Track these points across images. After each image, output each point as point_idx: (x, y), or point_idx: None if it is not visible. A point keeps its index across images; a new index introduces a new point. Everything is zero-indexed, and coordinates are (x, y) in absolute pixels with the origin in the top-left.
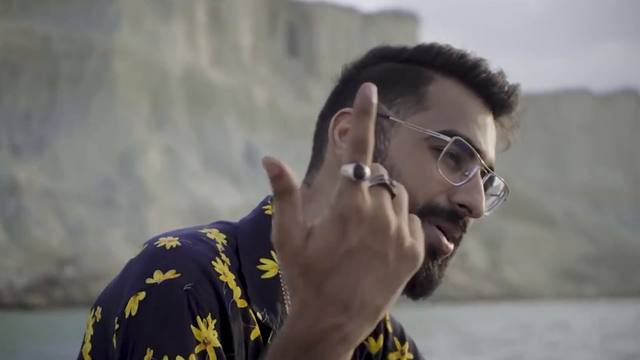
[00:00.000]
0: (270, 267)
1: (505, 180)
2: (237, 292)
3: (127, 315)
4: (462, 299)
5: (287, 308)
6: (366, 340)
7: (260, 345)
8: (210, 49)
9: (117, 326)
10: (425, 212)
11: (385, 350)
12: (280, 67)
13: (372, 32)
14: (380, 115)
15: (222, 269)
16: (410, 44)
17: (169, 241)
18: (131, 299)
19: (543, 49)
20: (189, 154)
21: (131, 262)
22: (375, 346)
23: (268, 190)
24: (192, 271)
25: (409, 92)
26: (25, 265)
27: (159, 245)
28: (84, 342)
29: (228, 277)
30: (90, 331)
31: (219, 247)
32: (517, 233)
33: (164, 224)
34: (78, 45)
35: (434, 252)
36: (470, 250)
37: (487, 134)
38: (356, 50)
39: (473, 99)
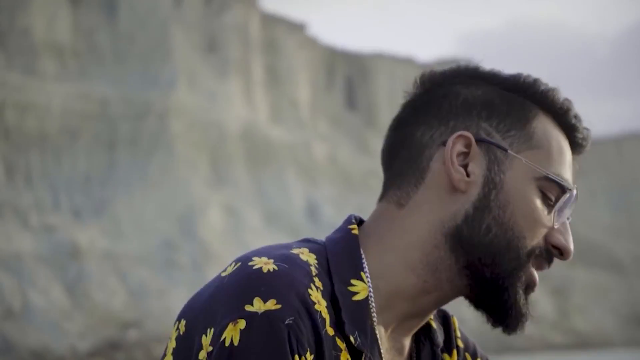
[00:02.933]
0: (360, 288)
1: (571, 225)
2: (328, 320)
3: (227, 344)
4: (530, 349)
5: (376, 330)
6: (441, 354)
7: None
8: (268, 105)
9: (210, 348)
10: (531, 253)
11: None
12: (339, 121)
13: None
14: (497, 146)
15: (317, 296)
16: None
17: (265, 264)
18: (230, 326)
19: (608, 92)
20: (250, 212)
21: (222, 280)
22: None
23: None
24: (292, 302)
25: (522, 127)
26: (88, 330)
27: (254, 267)
28: (164, 355)
29: (321, 306)
30: (173, 344)
31: (313, 270)
32: (585, 280)
33: None
34: (135, 107)
35: (531, 290)
36: (538, 299)
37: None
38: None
39: (566, 141)
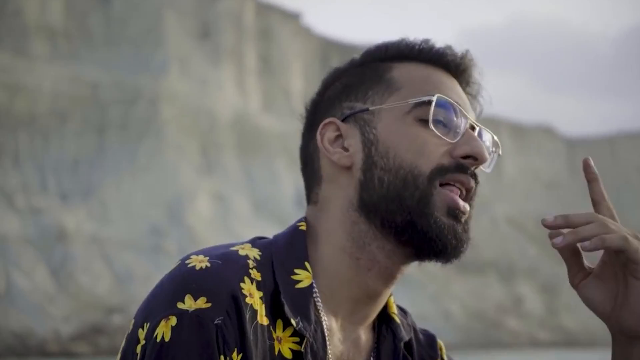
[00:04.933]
0: (304, 277)
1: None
2: (262, 310)
3: (159, 339)
4: (516, 345)
5: (324, 319)
6: (403, 348)
7: (283, 356)
8: (260, 94)
9: (143, 342)
10: (434, 175)
11: None
12: None
13: None
14: (359, 112)
15: (250, 289)
16: None
17: (200, 261)
18: (162, 322)
19: (606, 92)
20: (238, 199)
21: (163, 279)
22: None
23: None
24: (221, 299)
25: (377, 83)
26: (72, 314)
27: (189, 265)
28: (118, 354)
29: (254, 298)
30: (123, 342)
31: (251, 262)
32: None
33: None
34: (126, 91)
35: (454, 214)
36: (526, 296)
37: (461, 94)
38: None
39: (434, 70)
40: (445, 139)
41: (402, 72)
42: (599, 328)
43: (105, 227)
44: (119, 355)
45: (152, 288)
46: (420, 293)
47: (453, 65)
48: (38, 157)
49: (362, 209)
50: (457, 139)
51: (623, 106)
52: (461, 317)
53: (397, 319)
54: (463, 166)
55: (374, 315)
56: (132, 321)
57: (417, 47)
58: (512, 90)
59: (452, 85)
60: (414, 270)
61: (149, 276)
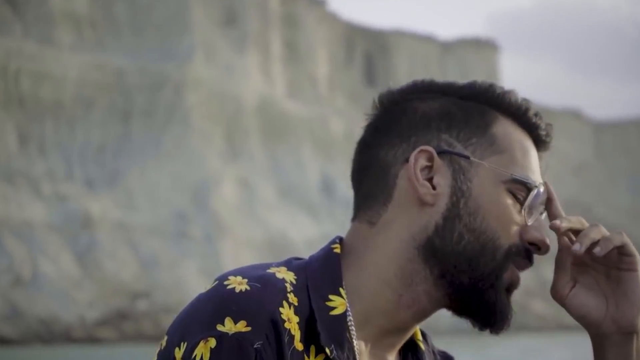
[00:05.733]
0: (338, 303)
1: (590, 206)
2: (298, 336)
3: None
4: (543, 329)
5: (355, 344)
6: None
7: None
8: (286, 80)
9: None
10: (511, 253)
11: None
12: (357, 97)
13: (450, 61)
14: (459, 155)
15: (288, 314)
16: (490, 72)
17: (239, 283)
18: (201, 343)
19: (634, 74)
20: (264, 186)
21: (200, 297)
22: None
23: (344, 222)
24: (261, 323)
25: (482, 133)
26: (97, 299)
27: (228, 287)
28: None
29: (292, 323)
30: (155, 358)
31: (288, 286)
32: None
33: (238, 256)
34: (151, 78)
35: (511, 290)
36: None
37: (538, 166)
38: (434, 78)
39: (527, 138)
40: (525, 219)
41: (506, 131)
42: None
43: (131, 214)
44: None
45: (175, 272)
46: None
47: (540, 142)
48: (64, 144)
49: (425, 251)
50: (530, 222)
51: None
52: None
53: (422, 346)
54: (530, 254)
55: (401, 344)
56: (166, 338)
57: (521, 108)
58: (539, 74)
59: (537, 159)
60: None
61: (174, 262)
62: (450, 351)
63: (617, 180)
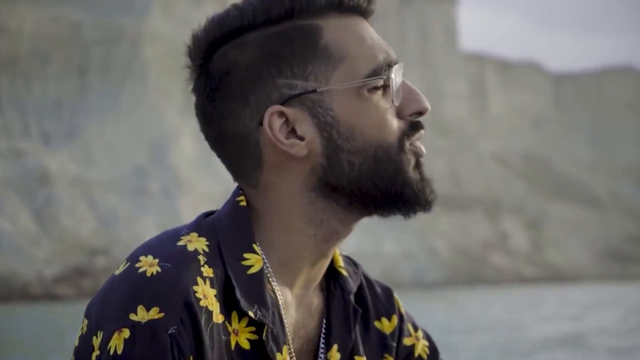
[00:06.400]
0: (254, 261)
1: (549, 160)
2: (217, 309)
3: (112, 352)
4: (503, 281)
5: (279, 295)
6: (379, 319)
7: (241, 348)
8: None
9: (98, 352)
10: (401, 142)
11: (401, 333)
12: None
13: (408, 14)
14: (305, 93)
15: (204, 290)
16: (449, 25)
17: (150, 265)
18: (115, 335)
19: (598, 27)
20: None
21: (114, 281)
22: (389, 326)
23: None
24: (174, 307)
25: (314, 55)
26: (55, 256)
27: (140, 270)
28: (72, 355)
29: (209, 298)
30: (76, 342)
31: (201, 258)
32: (560, 214)
33: (197, 210)
34: (108, 32)
35: (421, 159)
36: (511, 232)
37: (379, 39)
38: (392, 32)
39: (356, 21)
40: (395, 101)
41: (333, 35)
42: (586, 263)
43: (89, 169)
44: (72, 357)
45: (134, 228)
46: (405, 230)
47: (366, 10)
48: (19, 99)
49: (322, 190)
50: (401, 98)
51: (613, 42)
52: (446, 254)
53: (344, 272)
54: (417, 125)
55: (322, 272)
56: (85, 322)
57: None
58: (499, 26)
59: (373, 33)
60: None
61: (132, 218)
62: (413, 304)
63: (576, 133)
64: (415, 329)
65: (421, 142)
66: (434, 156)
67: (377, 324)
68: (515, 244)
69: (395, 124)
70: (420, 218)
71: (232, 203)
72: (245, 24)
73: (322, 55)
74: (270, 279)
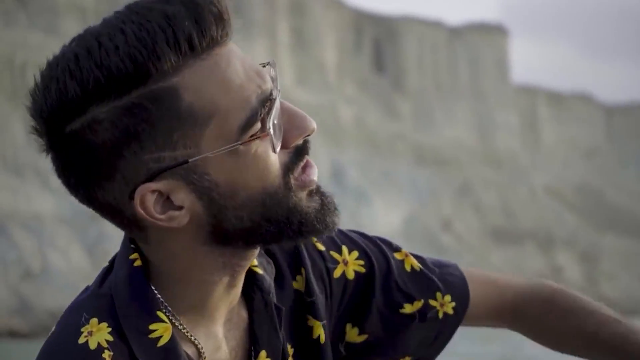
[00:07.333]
0: (162, 330)
1: (601, 191)
2: None
3: None
4: None
5: (200, 346)
6: (281, 288)
7: None
8: (294, 68)
9: None
10: (287, 180)
11: (328, 271)
12: (366, 84)
13: (459, 46)
14: (175, 167)
15: None
16: (500, 57)
17: None
18: None
19: None
20: None
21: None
22: (300, 285)
23: (355, 211)
24: None
25: (177, 120)
26: None
27: None
28: None
29: None
30: None
31: (106, 356)
32: (614, 246)
33: None
34: None
35: (311, 189)
36: (565, 265)
37: (247, 67)
38: (443, 64)
39: (217, 59)
40: (278, 135)
41: (194, 92)
42: None
43: None
44: None
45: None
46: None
47: (220, 40)
48: None
49: (216, 243)
50: (282, 130)
51: None
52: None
53: (259, 270)
54: (301, 150)
55: (240, 290)
56: None
57: (182, 40)
58: (550, 57)
59: (236, 60)
60: (450, 240)
61: None
62: (468, 344)
63: (628, 164)
64: (339, 250)
65: (310, 164)
66: (485, 189)
67: (294, 284)
68: (569, 277)
69: (277, 164)
70: (472, 251)
71: (126, 265)
72: (88, 98)
73: (186, 119)
74: (188, 335)
